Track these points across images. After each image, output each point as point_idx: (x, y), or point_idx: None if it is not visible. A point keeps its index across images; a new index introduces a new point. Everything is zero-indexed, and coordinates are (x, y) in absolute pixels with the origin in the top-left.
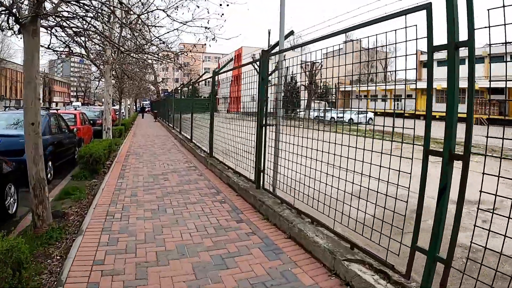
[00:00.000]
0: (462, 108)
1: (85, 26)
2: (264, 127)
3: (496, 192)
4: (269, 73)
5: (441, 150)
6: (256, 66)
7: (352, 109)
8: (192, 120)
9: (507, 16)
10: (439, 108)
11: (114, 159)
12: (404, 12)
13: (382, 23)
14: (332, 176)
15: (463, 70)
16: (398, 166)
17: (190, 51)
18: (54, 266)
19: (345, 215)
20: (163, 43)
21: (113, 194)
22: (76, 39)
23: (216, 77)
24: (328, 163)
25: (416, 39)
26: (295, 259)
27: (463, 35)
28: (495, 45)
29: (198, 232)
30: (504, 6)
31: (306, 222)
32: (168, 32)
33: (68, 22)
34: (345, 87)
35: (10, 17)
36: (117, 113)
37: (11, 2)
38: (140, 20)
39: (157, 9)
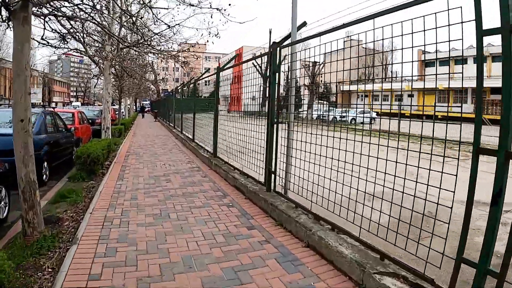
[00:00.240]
0: (466, 108)
1: (82, 15)
2: (276, 125)
3: None
4: (277, 64)
5: (492, 148)
6: (256, 64)
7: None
8: (194, 119)
9: None
10: (442, 108)
11: (113, 159)
12: None
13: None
14: (352, 176)
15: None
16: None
17: (193, 46)
18: (45, 280)
19: (369, 220)
20: (164, 36)
21: (111, 197)
22: (72, 31)
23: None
24: (348, 163)
25: (462, 22)
26: (317, 272)
27: None
28: None
29: (205, 240)
30: None
31: (326, 229)
32: (169, 28)
33: (63, 11)
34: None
35: None
36: (116, 112)
37: None
38: (140, 14)
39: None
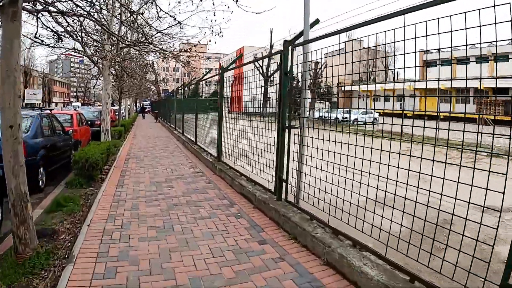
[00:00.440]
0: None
1: (78, 12)
2: (288, 130)
3: None
4: (290, 64)
5: None
6: (258, 66)
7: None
8: (196, 121)
9: None
10: (443, 108)
11: (113, 163)
12: None
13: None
14: (368, 186)
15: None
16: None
17: (195, 46)
18: None
19: (393, 235)
20: (167, 34)
21: (111, 207)
22: (69, 29)
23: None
24: (365, 172)
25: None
26: None
27: None
28: None
29: (214, 257)
30: None
31: (346, 246)
32: (171, 27)
33: (57, 6)
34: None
35: None
36: (116, 113)
37: None
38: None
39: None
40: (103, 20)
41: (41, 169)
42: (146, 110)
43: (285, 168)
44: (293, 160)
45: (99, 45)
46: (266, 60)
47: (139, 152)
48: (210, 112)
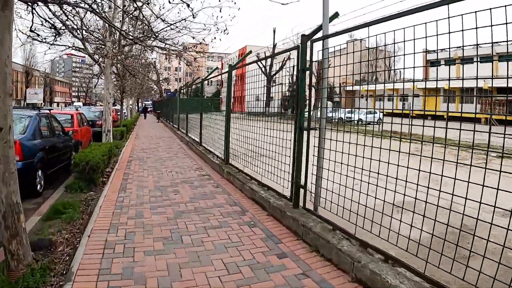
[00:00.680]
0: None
1: (77, 1)
2: (308, 131)
3: None
4: (310, 60)
5: None
6: (261, 66)
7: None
8: (201, 121)
9: None
10: (445, 108)
11: (114, 165)
12: None
13: None
14: (395, 192)
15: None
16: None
17: (200, 44)
18: None
19: (423, 245)
20: (171, 25)
21: (113, 214)
22: (68, 23)
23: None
24: (391, 177)
25: None
26: None
27: None
28: None
29: (230, 275)
30: None
31: (378, 260)
32: (174, 23)
33: None
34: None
35: None
36: (118, 113)
37: None
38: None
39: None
40: (104, 13)
41: (39, 172)
42: (148, 110)
43: (304, 173)
44: (313, 164)
45: (100, 43)
46: (268, 60)
47: (142, 154)
48: (214, 112)
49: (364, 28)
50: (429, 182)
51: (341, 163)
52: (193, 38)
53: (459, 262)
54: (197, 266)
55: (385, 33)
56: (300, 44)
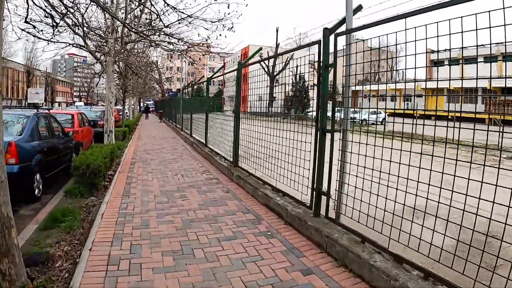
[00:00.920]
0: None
1: None
2: (331, 134)
3: None
4: (334, 55)
5: None
6: (264, 66)
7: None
8: (207, 122)
9: None
10: (451, 108)
11: (117, 168)
12: None
13: None
14: (427, 199)
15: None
16: None
17: (206, 41)
18: None
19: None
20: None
21: (116, 224)
22: (68, 15)
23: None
24: (424, 183)
25: None
26: None
27: None
28: None
29: None
30: None
31: (417, 278)
32: (180, 20)
33: None
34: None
35: None
36: (120, 113)
37: None
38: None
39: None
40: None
41: (37, 175)
42: (150, 109)
43: (327, 178)
44: (337, 170)
45: (102, 41)
46: (271, 60)
47: (145, 155)
48: (218, 112)
49: (393, 22)
50: (452, 187)
51: (364, 167)
52: (206, 29)
53: (501, 275)
54: (213, 287)
55: (426, 25)
56: (322, 38)
